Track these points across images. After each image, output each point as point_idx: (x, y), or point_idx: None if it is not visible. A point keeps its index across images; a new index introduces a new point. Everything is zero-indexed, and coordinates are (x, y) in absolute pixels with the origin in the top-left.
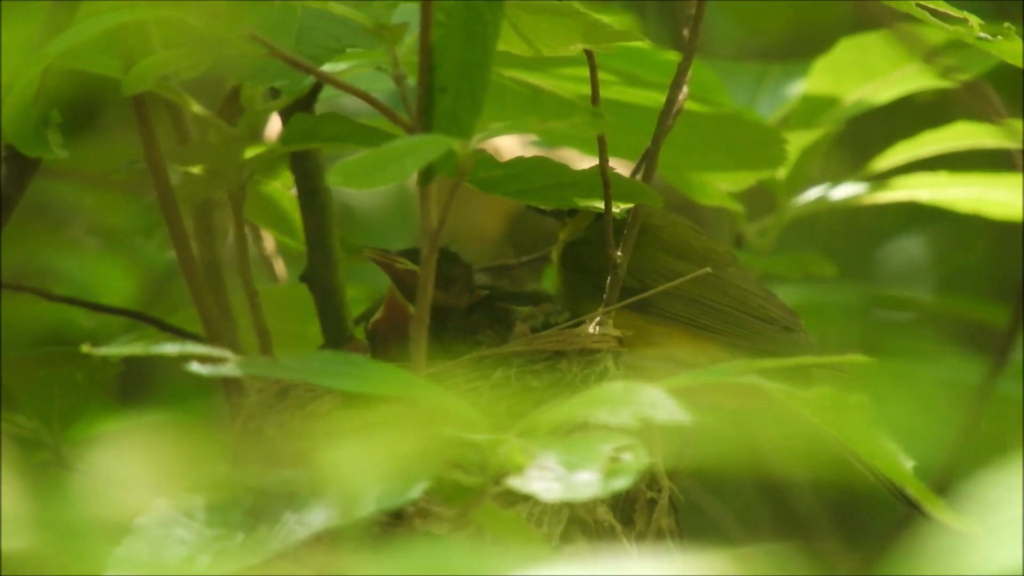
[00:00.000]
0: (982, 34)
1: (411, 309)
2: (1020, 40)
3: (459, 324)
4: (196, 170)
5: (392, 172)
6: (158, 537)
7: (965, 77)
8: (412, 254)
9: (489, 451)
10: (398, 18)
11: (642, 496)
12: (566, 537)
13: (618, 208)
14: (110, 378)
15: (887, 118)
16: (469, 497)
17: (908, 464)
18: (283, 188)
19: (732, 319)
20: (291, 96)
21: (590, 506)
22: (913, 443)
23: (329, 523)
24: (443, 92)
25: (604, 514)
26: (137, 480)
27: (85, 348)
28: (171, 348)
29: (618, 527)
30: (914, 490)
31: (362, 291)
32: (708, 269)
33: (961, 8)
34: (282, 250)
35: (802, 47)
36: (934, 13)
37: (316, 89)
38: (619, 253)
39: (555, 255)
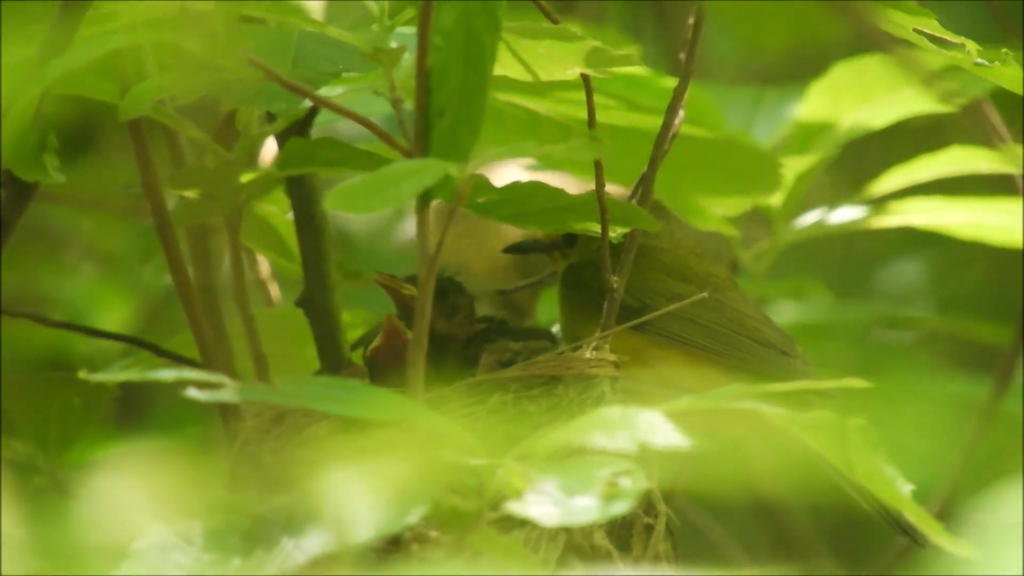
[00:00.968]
0: (979, 59)
1: (409, 335)
2: (1017, 65)
3: (458, 354)
4: (192, 194)
5: (390, 196)
6: (156, 562)
7: (964, 100)
8: (441, 281)
9: (486, 476)
10: (395, 42)
11: (639, 521)
12: (563, 563)
13: (615, 232)
14: (107, 403)
15: (884, 142)
16: (466, 522)
17: (907, 489)
18: (279, 212)
19: (729, 340)
20: (287, 120)
21: (587, 531)
22: (913, 465)
23: (326, 548)
24: (440, 116)
25: (601, 539)
26: (134, 505)
27: (82, 373)
28: (168, 374)
29: (615, 552)
30: (912, 515)
31: (358, 316)
32: (706, 294)
33: (961, 22)
34: (278, 275)
35: (801, 69)
36: (932, 39)
37: (312, 113)
38: (615, 277)
39: (558, 277)
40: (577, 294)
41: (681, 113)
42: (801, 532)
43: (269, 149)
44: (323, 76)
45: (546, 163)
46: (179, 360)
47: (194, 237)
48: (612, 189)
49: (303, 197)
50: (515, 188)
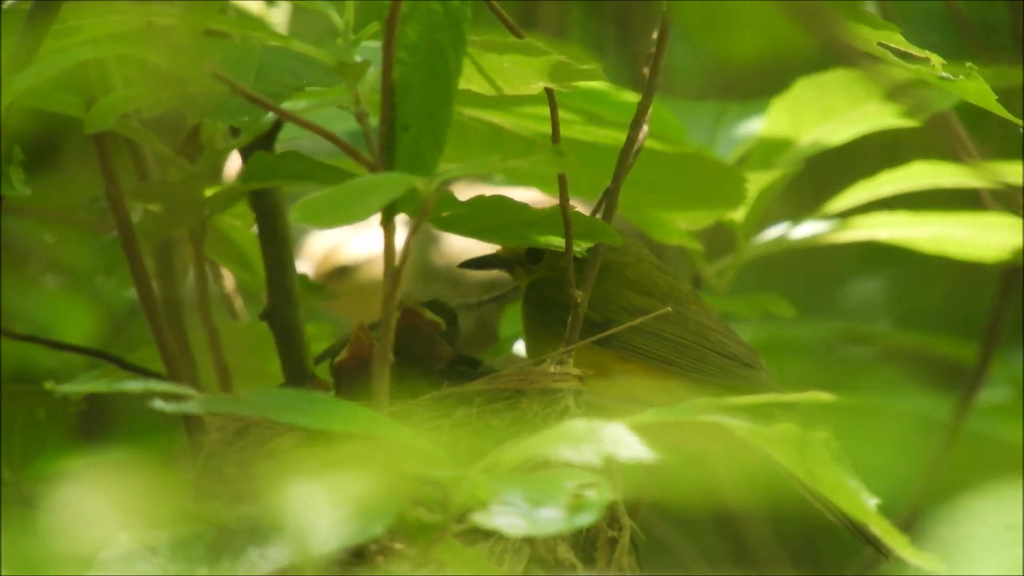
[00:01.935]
0: (944, 73)
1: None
2: (981, 80)
3: (440, 373)
4: (157, 208)
5: (355, 210)
6: (121, 572)
7: (929, 114)
8: (433, 305)
9: (452, 488)
10: (360, 56)
11: (603, 534)
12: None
13: (580, 247)
14: (71, 416)
15: (846, 157)
16: (431, 534)
17: (872, 502)
18: (243, 226)
19: (693, 353)
20: (251, 134)
21: (551, 544)
22: (875, 480)
23: (291, 559)
24: (405, 130)
25: (565, 553)
26: (99, 516)
27: (48, 385)
28: (133, 385)
29: (579, 565)
30: (878, 528)
31: (322, 329)
32: (669, 308)
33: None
34: (242, 288)
35: (763, 81)
36: (896, 53)
37: (276, 127)
38: (579, 292)
39: (521, 292)
40: (540, 311)
41: (645, 127)
42: (764, 545)
43: (233, 163)
44: (287, 90)
45: (510, 177)
46: (144, 373)
47: (158, 250)
48: (576, 203)
49: (267, 210)
50: (479, 202)
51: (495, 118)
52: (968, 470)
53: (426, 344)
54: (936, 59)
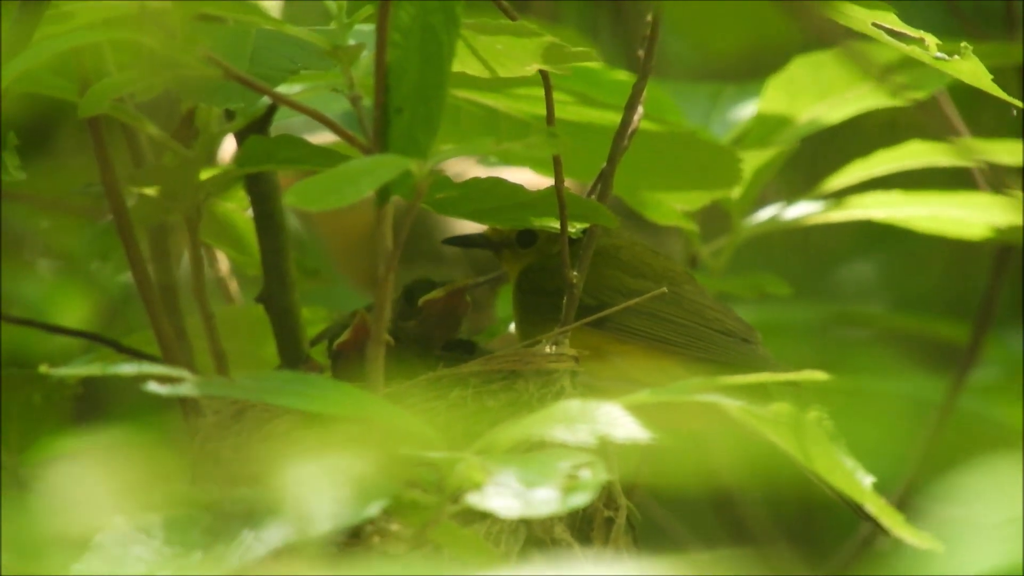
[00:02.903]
0: (938, 53)
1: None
2: (976, 60)
3: (433, 355)
4: (152, 192)
5: (349, 192)
6: (117, 555)
7: (919, 95)
8: (420, 284)
9: (447, 469)
10: (353, 40)
11: (599, 515)
12: (524, 556)
13: (574, 228)
14: (67, 399)
15: (841, 137)
16: (427, 515)
17: (867, 480)
18: (238, 210)
19: (690, 332)
20: (246, 118)
21: (547, 525)
22: (870, 460)
23: (287, 540)
24: (399, 113)
25: (562, 533)
26: (96, 499)
27: (43, 369)
28: (129, 368)
29: (576, 546)
30: (873, 506)
31: (317, 313)
32: (664, 289)
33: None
34: (237, 272)
35: (756, 67)
36: (890, 32)
37: (271, 111)
38: (575, 273)
39: (511, 279)
40: (533, 299)
41: (640, 109)
42: (760, 525)
43: (228, 147)
44: (281, 74)
45: (505, 159)
46: (140, 356)
47: (154, 235)
48: (571, 185)
49: (262, 195)
50: (474, 184)
51: (489, 100)
52: (961, 449)
53: (452, 327)
54: (930, 39)
